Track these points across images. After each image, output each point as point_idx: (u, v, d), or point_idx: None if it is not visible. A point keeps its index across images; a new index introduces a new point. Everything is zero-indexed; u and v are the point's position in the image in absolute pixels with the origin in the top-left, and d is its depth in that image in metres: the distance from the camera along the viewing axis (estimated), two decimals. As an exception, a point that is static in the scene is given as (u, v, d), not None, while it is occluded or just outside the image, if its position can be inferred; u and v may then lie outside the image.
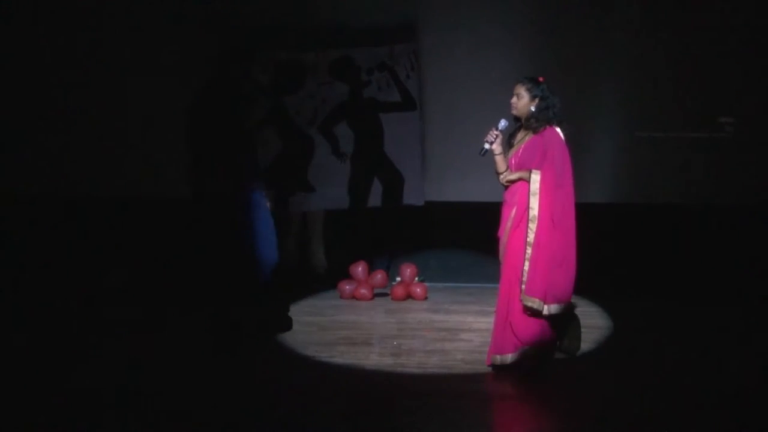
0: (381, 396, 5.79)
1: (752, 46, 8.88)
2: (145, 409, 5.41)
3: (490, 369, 6.20)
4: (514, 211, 6.13)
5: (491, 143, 6.22)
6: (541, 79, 6.18)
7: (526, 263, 5.99)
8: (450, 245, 9.48)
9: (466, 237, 9.37)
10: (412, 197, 9.20)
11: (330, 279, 9.10)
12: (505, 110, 9.00)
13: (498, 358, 6.13)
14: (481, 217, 9.28)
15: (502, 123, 6.23)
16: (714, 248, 8.84)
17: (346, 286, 8.70)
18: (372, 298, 8.64)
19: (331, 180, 9.16)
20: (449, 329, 7.35)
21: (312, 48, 9.22)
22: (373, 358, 6.55)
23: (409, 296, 8.67)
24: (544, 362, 6.12)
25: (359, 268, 8.77)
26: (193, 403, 5.56)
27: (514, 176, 6.15)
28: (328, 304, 8.35)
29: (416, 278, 8.83)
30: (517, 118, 6.25)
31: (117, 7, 9.51)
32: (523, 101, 6.15)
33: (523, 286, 5.99)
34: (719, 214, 8.94)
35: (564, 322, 6.34)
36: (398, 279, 8.81)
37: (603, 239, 8.19)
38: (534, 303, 5.96)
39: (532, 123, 6.12)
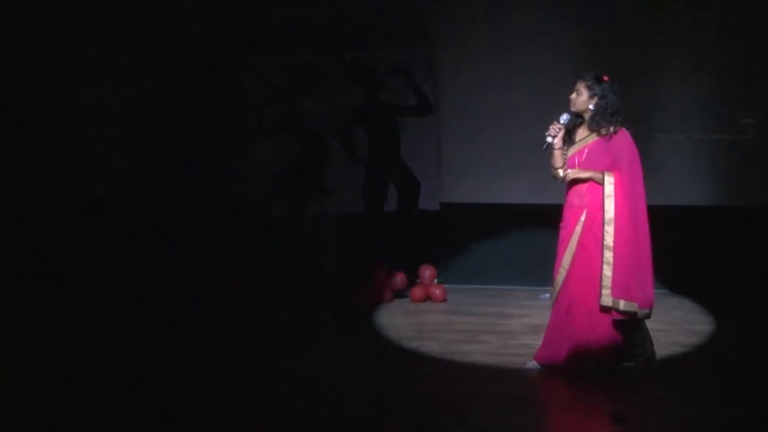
0: (398, 397, 5.75)
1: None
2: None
3: (509, 371, 6.16)
4: (584, 214, 5.99)
5: (554, 137, 6.05)
6: (605, 78, 6.03)
7: (606, 267, 5.87)
8: (469, 247, 9.44)
9: (485, 239, 9.35)
10: (427, 202, 9.16)
11: (344, 283, 9.10)
12: (522, 113, 9.07)
13: (552, 364, 6.06)
14: (500, 218, 9.33)
15: (564, 117, 6.04)
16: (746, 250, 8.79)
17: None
18: (391, 300, 8.61)
19: (345, 184, 9.13)
20: (468, 331, 7.31)
21: (328, 50, 9.20)
22: (392, 359, 6.51)
23: (428, 298, 8.63)
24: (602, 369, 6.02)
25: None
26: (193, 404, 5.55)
27: (585, 174, 5.97)
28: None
29: (435, 280, 8.78)
30: (578, 115, 6.09)
31: (124, 6, 9.54)
32: (581, 98, 6.02)
33: (607, 291, 5.86)
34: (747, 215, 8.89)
35: (636, 327, 6.13)
36: (417, 281, 8.77)
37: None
38: (630, 306, 5.85)
39: (596, 124, 5.99)
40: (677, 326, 7.46)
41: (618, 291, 5.85)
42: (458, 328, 7.46)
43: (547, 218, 8.67)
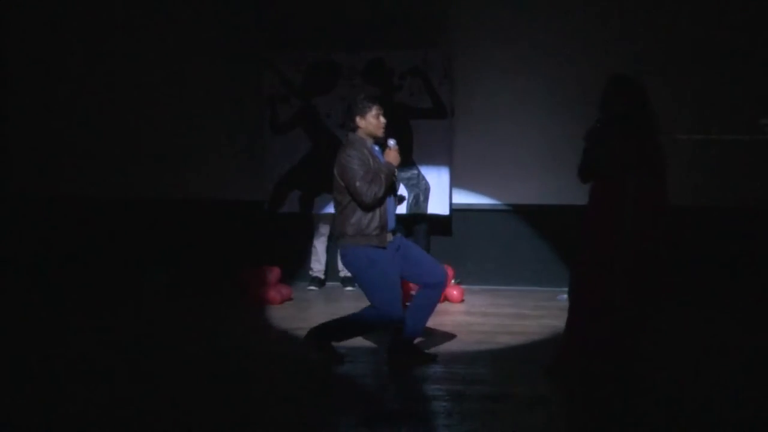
0: (413, 398, 5.75)
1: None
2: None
3: (525, 372, 6.15)
4: (601, 215, 5.97)
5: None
6: (635, 79, 6.01)
7: (619, 268, 5.81)
8: (485, 248, 9.42)
9: (501, 240, 9.33)
10: (437, 207, 9.11)
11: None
12: (537, 116, 9.06)
13: (568, 365, 6.03)
14: (516, 220, 9.31)
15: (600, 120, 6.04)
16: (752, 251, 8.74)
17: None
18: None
19: None
20: (486, 332, 7.28)
21: (345, 49, 9.18)
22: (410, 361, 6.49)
23: (445, 299, 8.59)
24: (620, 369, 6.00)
25: None
26: (206, 405, 5.54)
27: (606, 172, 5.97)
28: (360, 306, 8.26)
29: (453, 281, 8.75)
30: (609, 116, 6.03)
31: (140, 5, 9.56)
32: (611, 99, 5.97)
33: (619, 290, 5.82)
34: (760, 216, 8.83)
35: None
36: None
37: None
38: (642, 305, 5.83)
39: (626, 125, 5.95)
40: (674, 327, 7.44)
41: (631, 294, 5.82)
42: (476, 329, 7.43)
43: (561, 219, 8.75)
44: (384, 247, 6.27)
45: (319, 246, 9.41)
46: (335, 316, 6.53)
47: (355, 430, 5.17)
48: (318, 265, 9.41)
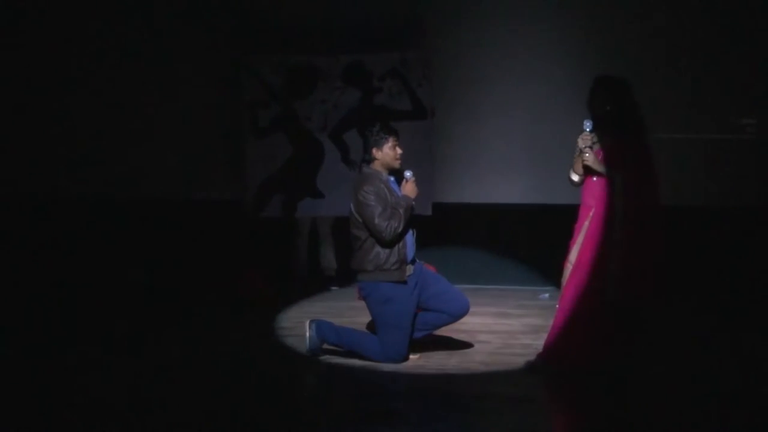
0: (399, 397, 5.76)
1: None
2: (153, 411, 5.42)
3: (509, 371, 6.16)
4: (592, 212, 6.02)
5: (591, 147, 6.06)
6: (620, 79, 6.05)
7: (611, 265, 5.85)
8: (468, 247, 9.45)
9: (484, 239, 9.36)
10: (419, 207, 9.12)
11: (340, 281, 9.12)
12: (517, 116, 9.11)
13: (555, 362, 6.05)
14: (499, 219, 9.35)
15: (588, 124, 6.03)
16: (739, 250, 8.79)
17: None
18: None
19: (339, 187, 9.11)
20: (468, 331, 7.30)
21: (324, 53, 9.21)
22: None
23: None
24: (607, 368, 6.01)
25: None
26: (202, 402, 5.55)
27: (598, 167, 5.98)
28: (347, 306, 8.32)
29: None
30: (597, 117, 6.08)
31: (125, 5, 9.55)
32: (598, 101, 6.02)
33: (611, 287, 5.84)
34: (739, 216, 8.88)
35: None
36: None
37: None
38: (629, 303, 5.85)
39: (613, 125, 6.00)
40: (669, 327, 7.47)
41: (623, 290, 5.84)
42: (458, 328, 7.43)
43: (543, 218, 8.80)
44: (404, 281, 6.27)
45: (301, 246, 9.44)
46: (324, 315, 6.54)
47: (336, 429, 5.18)
48: (325, 262, 9.42)
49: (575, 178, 6.18)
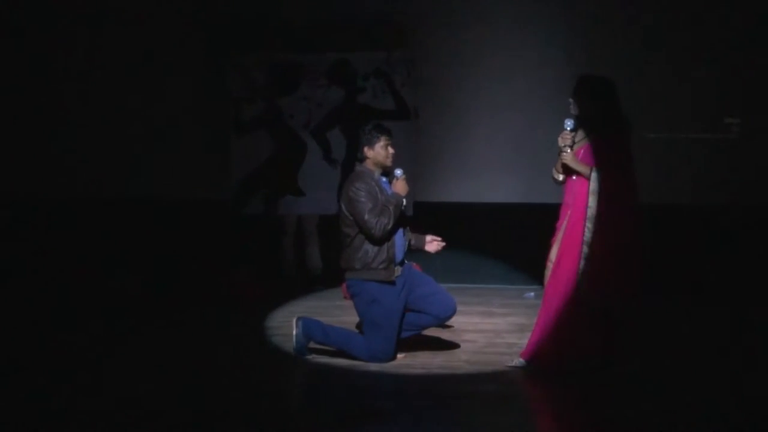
0: (384, 396, 5.77)
1: (760, 47, 8.88)
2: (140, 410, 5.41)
3: (494, 370, 6.17)
4: (570, 210, 6.05)
5: (571, 146, 6.07)
6: (602, 78, 6.08)
7: (584, 263, 5.90)
8: (453, 246, 9.44)
9: (469, 238, 9.37)
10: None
11: (326, 280, 9.13)
12: (502, 114, 9.13)
13: (537, 360, 6.07)
14: (484, 218, 9.37)
15: (569, 123, 6.04)
16: (720, 248, 8.83)
17: None
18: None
19: (321, 185, 9.14)
20: (453, 330, 7.33)
21: (309, 50, 9.21)
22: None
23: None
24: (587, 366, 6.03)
25: None
26: (187, 402, 5.55)
27: (576, 166, 5.99)
28: (333, 305, 8.33)
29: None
30: (578, 117, 6.10)
31: (114, 6, 9.53)
32: (579, 100, 6.04)
33: (583, 286, 5.88)
34: (725, 214, 8.93)
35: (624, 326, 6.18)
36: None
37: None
38: (599, 302, 5.88)
39: (595, 125, 6.02)
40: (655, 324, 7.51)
41: (593, 287, 5.88)
42: (443, 327, 7.46)
43: (528, 217, 8.82)
44: (391, 282, 6.27)
45: (287, 245, 9.45)
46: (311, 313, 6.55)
47: (322, 428, 5.19)
48: (311, 261, 9.42)
49: (558, 177, 6.21)
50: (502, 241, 9.32)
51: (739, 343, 6.99)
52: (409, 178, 8.88)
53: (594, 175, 5.92)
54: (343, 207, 6.33)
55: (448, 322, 6.69)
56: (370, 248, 6.24)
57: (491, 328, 7.52)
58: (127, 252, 9.43)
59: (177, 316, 8.04)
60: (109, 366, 6.38)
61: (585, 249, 5.91)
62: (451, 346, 6.88)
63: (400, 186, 6.37)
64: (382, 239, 6.22)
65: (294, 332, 6.37)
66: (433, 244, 6.57)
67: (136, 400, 5.56)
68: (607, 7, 9.04)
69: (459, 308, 6.57)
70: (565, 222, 6.08)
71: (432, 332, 6.89)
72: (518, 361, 6.17)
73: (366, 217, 6.17)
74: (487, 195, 9.32)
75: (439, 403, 5.56)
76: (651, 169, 8.95)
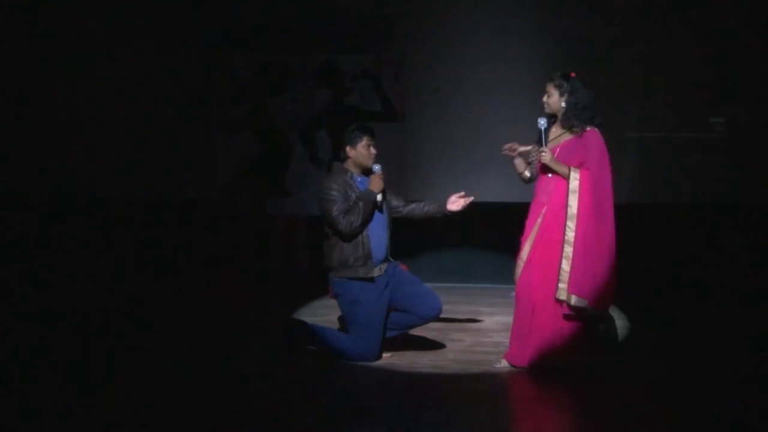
0: (371, 395, 5.79)
1: (745, 48, 8.93)
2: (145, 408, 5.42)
3: (481, 369, 6.20)
4: (545, 209, 6.07)
5: (512, 157, 6.19)
6: (572, 74, 6.11)
7: (565, 262, 5.92)
8: (440, 246, 9.50)
9: (456, 237, 9.41)
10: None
11: (312, 280, 9.14)
12: (488, 115, 9.16)
13: (521, 361, 6.09)
14: (471, 217, 9.37)
15: (542, 122, 6.09)
16: (708, 246, 8.89)
17: None
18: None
19: (308, 185, 9.15)
20: (440, 329, 7.34)
21: (297, 51, 9.23)
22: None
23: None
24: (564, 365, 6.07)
25: None
26: (187, 399, 5.56)
27: (555, 165, 6.00)
28: (320, 304, 8.34)
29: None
30: (552, 115, 6.16)
31: (105, 6, 9.52)
32: (553, 98, 6.10)
33: (563, 285, 5.91)
34: (709, 212, 8.98)
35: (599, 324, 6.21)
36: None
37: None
38: (581, 302, 5.90)
39: (568, 120, 6.05)
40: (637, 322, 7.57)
41: (573, 287, 5.90)
42: (430, 326, 7.46)
43: (516, 216, 8.78)
44: (371, 279, 6.27)
45: (275, 245, 9.47)
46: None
47: (309, 427, 5.20)
48: (297, 261, 9.43)
49: (525, 174, 6.26)
50: (489, 240, 9.35)
51: (739, 343, 7.02)
52: (397, 179, 9.02)
53: (573, 175, 5.96)
54: (319, 205, 6.34)
55: (435, 322, 6.69)
56: (345, 246, 6.24)
57: (478, 328, 7.54)
58: (112, 251, 9.40)
59: (161, 315, 8.03)
60: (91, 366, 6.37)
61: (567, 249, 5.93)
62: (438, 345, 6.90)
63: (375, 182, 6.34)
64: (351, 236, 6.21)
65: (280, 333, 6.38)
66: (457, 202, 6.49)
67: (121, 401, 5.56)
68: (595, 11, 9.06)
69: (446, 308, 6.59)
70: (539, 220, 6.10)
71: (419, 331, 6.90)
72: (503, 363, 6.18)
73: (334, 214, 6.19)
74: (474, 195, 9.30)
75: (426, 402, 5.58)
76: (644, 169, 9.07)
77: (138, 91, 9.56)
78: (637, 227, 8.99)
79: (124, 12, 9.54)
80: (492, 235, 9.33)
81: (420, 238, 9.46)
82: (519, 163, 6.30)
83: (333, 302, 6.76)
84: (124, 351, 6.79)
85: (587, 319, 5.98)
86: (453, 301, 8.58)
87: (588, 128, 6.03)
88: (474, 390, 5.80)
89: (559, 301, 5.94)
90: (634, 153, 9.13)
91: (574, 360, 6.00)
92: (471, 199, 6.52)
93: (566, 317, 5.96)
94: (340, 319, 6.71)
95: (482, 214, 9.28)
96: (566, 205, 5.94)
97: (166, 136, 9.57)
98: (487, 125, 9.24)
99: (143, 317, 7.98)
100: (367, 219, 6.28)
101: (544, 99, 6.14)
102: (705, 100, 9.04)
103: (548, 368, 6.00)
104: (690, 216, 9.02)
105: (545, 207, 6.07)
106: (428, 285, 6.63)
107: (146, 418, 5.25)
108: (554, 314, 5.97)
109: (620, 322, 7.50)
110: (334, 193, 6.23)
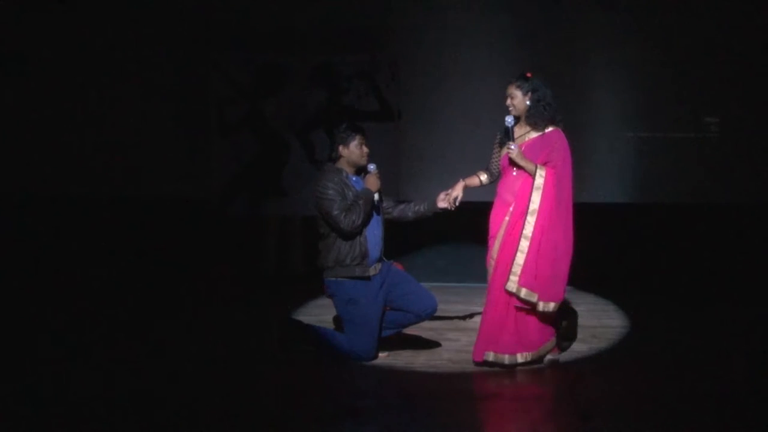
0: (367, 395, 5.80)
1: (742, 47, 8.96)
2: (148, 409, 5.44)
3: (476, 368, 6.21)
4: (512, 207, 6.12)
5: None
6: (528, 75, 6.17)
7: (520, 255, 5.98)
8: (435, 245, 9.51)
9: (450, 237, 9.42)
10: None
11: (308, 280, 9.16)
12: (482, 116, 9.17)
13: (491, 355, 6.13)
14: (465, 216, 9.39)
15: (510, 120, 6.18)
16: (708, 246, 8.92)
17: None
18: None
19: (305, 186, 9.15)
20: (436, 329, 7.37)
21: (293, 52, 9.25)
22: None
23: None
24: (540, 361, 6.16)
25: None
26: (181, 399, 5.57)
27: (522, 162, 6.05)
28: (315, 304, 8.36)
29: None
30: (518, 117, 6.22)
31: (106, 8, 9.53)
32: (517, 99, 6.16)
33: (515, 278, 5.98)
34: (709, 212, 9.01)
35: (562, 318, 6.36)
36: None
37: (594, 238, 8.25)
38: (530, 296, 5.97)
39: (532, 118, 6.11)
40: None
41: (524, 280, 5.97)
42: (426, 326, 7.48)
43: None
44: (367, 278, 6.29)
45: (270, 245, 9.49)
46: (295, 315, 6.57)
47: (304, 427, 5.22)
48: (293, 261, 9.44)
49: (482, 177, 6.36)
50: (484, 240, 9.34)
51: (739, 343, 7.04)
52: (392, 179, 9.05)
53: (539, 172, 6.01)
54: (314, 206, 6.33)
55: (430, 321, 6.72)
56: (342, 245, 6.25)
57: (473, 327, 7.51)
58: (108, 250, 9.41)
59: (157, 314, 8.03)
60: (87, 367, 6.38)
61: (524, 243, 5.99)
62: (434, 345, 6.92)
63: (371, 181, 6.35)
64: (353, 234, 6.22)
65: (275, 332, 6.40)
66: (445, 200, 6.51)
67: (115, 402, 5.57)
68: (594, 11, 9.09)
69: (441, 307, 6.60)
70: (506, 219, 6.14)
71: (414, 331, 6.92)
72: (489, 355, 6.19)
73: (334, 213, 6.18)
74: (469, 194, 9.33)
75: (421, 401, 5.59)
76: (644, 169, 9.10)
77: (135, 92, 9.57)
78: (637, 227, 9.07)
79: (121, 15, 9.55)
80: (487, 234, 9.34)
81: (415, 238, 9.49)
82: (470, 184, 6.44)
83: (328, 302, 6.79)
84: (120, 351, 6.79)
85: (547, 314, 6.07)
86: (448, 300, 8.59)
87: (550, 128, 6.10)
88: (470, 389, 5.83)
89: (509, 293, 5.99)
90: (633, 153, 9.16)
91: (542, 356, 6.12)
92: (456, 195, 6.50)
93: (533, 313, 6.04)
94: (335, 318, 6.73)
95: (477, 213, 9.35)
96: (528, 201, 5.98)
97: (163, 137, 9.59)
98: (483, 125, 9.24)
99: (139, 317, 7.98)
100: (368, 218, 6.29)
101: (508, 102, 6.20)
102: (704, 100, 9.06)
103: (542, 368, 6.03)
104: (689, 216, 9.04)
105: (512, 206, 6.13)
106: (423, 284, 6.65)
107: (142, 417, 5.26)
108: (520, 311, 6.07)
109: (620, 322, 7.58)
110: (331, 192, 6.23)
